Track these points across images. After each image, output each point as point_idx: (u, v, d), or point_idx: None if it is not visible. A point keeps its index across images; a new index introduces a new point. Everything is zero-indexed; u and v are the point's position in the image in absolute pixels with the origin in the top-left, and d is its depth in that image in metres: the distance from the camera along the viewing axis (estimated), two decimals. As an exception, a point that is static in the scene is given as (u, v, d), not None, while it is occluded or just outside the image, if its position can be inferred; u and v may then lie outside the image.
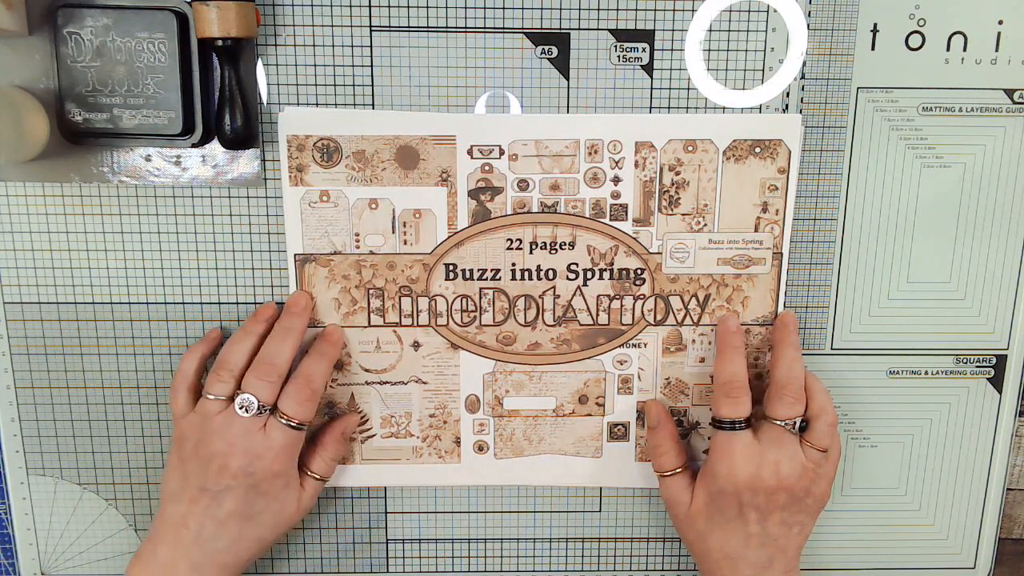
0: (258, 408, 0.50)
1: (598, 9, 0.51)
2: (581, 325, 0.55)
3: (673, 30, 0.51)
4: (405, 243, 0.54)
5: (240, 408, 0.50)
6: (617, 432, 0.57)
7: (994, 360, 0.57)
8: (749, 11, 0.51)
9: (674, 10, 0.51)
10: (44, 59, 0.49)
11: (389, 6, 0.51)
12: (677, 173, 0.53)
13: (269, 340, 0.52)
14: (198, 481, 0.50)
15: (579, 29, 0.51)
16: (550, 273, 0.54)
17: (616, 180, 0.53)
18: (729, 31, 0.51)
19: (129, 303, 0.55)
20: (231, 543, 0.51)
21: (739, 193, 0.53)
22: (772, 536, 0.51)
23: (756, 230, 0.54)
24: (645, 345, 0.56)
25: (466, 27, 0.51)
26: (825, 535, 0.60)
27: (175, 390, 0.52)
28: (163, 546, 0.50)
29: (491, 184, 0.53)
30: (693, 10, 0.51)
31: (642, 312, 0.55)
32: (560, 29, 0.51)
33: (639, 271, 0.54)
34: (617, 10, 0.51)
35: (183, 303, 0.55)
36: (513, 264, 0.54)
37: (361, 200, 0.53)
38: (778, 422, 0.51)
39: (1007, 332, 0.57)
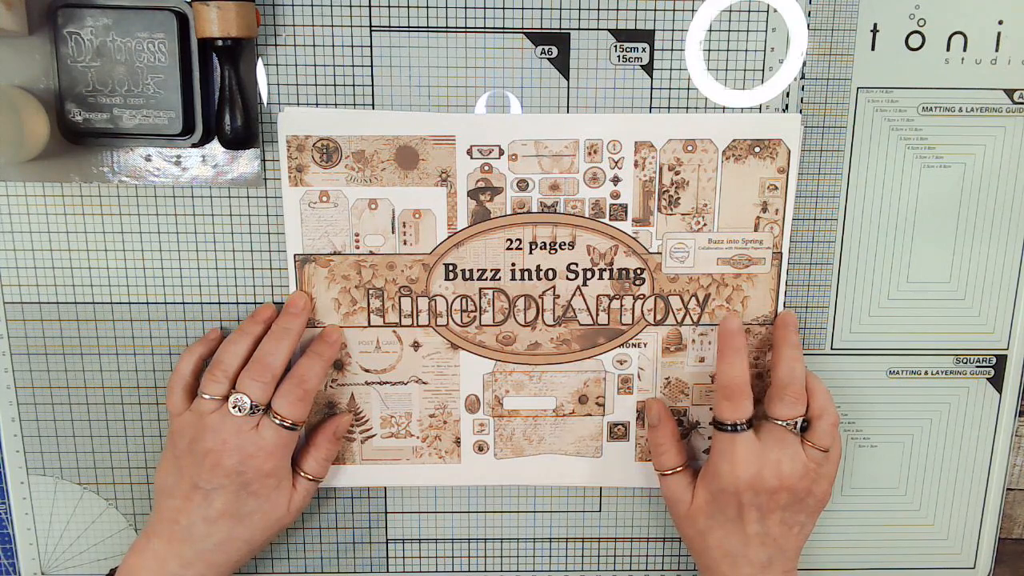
0: (251, 408, 0.50)
1: (598, 9, 0.51)
2: (581, 325, 0.55)
3: (673, 30, 0.51)
4: (405, 243, 0.54)
5: (233, 407, 0.50)
6: (617, 432, 0.57)
7: (994, 360, 0.57)
8: (749, 11, 0.51)
9: (674, 10, 0.51)
10: (44, 59, 0.49)
11: (389, 6, 0.51)
12: (677, 173, 0.53)
13: (265, 340, 0.52)
14: (191, 478, 0.50)
15: (579, 29, 0.51)
16: (550, 273, 0.54)
17: (616, 180, 0.53)
18: (729, 31, 0.51)
19: (129, 303, 0.55)
20: (221, 543, 0.51)
21: (739, 193, 0.53)
22: (772, 535, 0.51)
23: (756, 230, 0.54)
24: (645, 345, 0.56)
25: (466, 27, 0.51)
26: (825, 535, 0.60)
27: (171, 389, 0.52)
28: (157, 540, 0.51)
29: (491, 184, 0.53)
30: (693, 10, 0.51)
31: (642, 312, 0.55)
32: (560, 29, 0.51)
33: (639, 271, 0.54)
34: (617, 10, 0.51)
35: (183, 303, 0.55)
36: (513, 264, 0.54)
37: (361, 200, 0.53)
38: (779, 422, 0.51)
39: (1007, 332, 0.57)
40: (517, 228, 0.54)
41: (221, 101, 0.49)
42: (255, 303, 0.55)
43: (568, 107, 0.52)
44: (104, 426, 0.57)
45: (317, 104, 0.52)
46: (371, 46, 0.51)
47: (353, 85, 0.52)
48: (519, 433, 0.57)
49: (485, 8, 0.51)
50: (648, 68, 0.52)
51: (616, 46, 0.51)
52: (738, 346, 0.53)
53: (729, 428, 0.51)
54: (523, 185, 0.53)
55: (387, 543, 0.60)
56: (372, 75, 0.51)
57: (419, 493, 0.59)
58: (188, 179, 0.52)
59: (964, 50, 0.52)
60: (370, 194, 0.53)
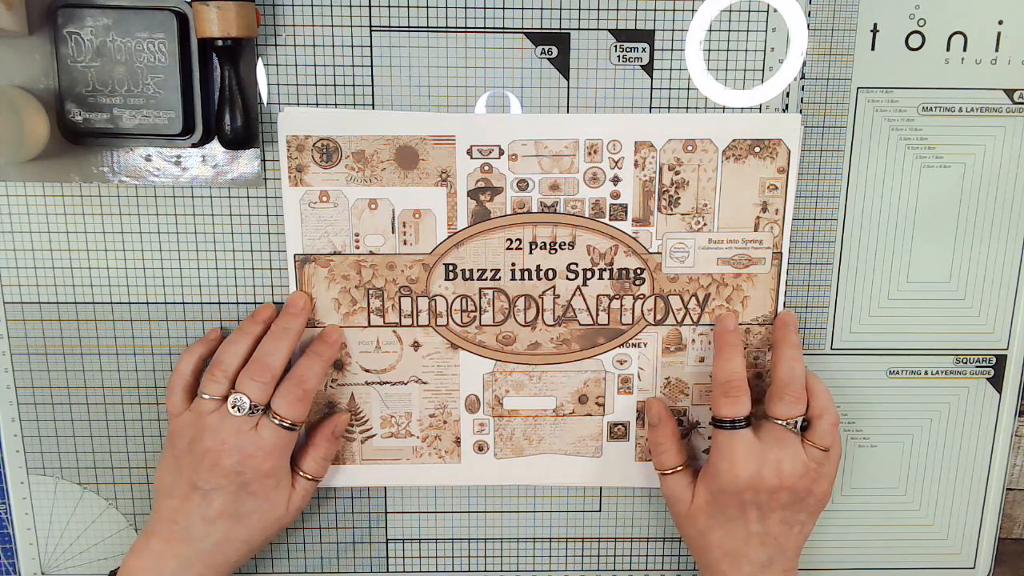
0: (250, 408, 0.50)
1: (598, 9, 0.51)
2: (581, 325, 0.55)
3: (673, 30, 0.51)
4: (405, 243, 0.54)
5: (232, 407, 0.50)
6: (617, 432, 0.57)
7: (994, 360, 0.57)
8: (749, 11, 0.51)
9: (674, 10, 0.51)
10: (44, 59, 0.49)
11: (389, 6, 0.51)
12: (677, 173, 0.53)
13: (265, 340, 0.52)
14: (190, 478, 0.50)
15: (579, 29, 0.51)
16: (550, 273, 0.54)
17: (616, 180, 0.53)
18: (729, 31, 0.51)
19: (129, 303, 0.55)
20: (219, 543, 0.51)
21: (739, 193, 0.53)
22: (773, 535, 0.51)
23: (756, 229, 0.54)
24: (645, 345, 0.56)
25: (466, 27, 0.51)
26: (825, 535, 0.60)
27: (171, 389, 0.52)
28: (156, 539, 0.51)
29: (491, 184, 0.53)
30: (693, 10, 0.51)
31: (642, 312, 0.55)
32: (560, 29, 0.51)
33: (639, 271, 0.54)
34: (617, 10, 0.51)
35: (183, 303, 0.55)
36: (513, 264, 0.54)
37: (361, 200, 0.53)
38: (779, 422, 0.51)
39: (1007, 332, 0.57)
40: (517, 228, 0.54)
41: (221, 101, 0.49)
42: (255, 303, 0.55)
43: (568, 107, 0.52)
44: (104, 426, 0.57)
45: (317, 104, 0.52)
46: (371, 46, 0.51)
47: (353, 85, 0.52)
48: (519, 433, 0.57)
49: (485, 8, 0.51)
50: (648, 68, 0.52)
51: (616, 46, 0.51)
52: (734, 343, 0.53)
53: (728, 425, 0.51)
54: (523, 185, 0.53)
55: (387, 543, 0.60)
56: (372, 75, 0.51)
57: (419, 493, 0.59)
58: (188, 179, 0.52)
59: (964, 50, 0.52)
60: (370, 194, 0.53)
